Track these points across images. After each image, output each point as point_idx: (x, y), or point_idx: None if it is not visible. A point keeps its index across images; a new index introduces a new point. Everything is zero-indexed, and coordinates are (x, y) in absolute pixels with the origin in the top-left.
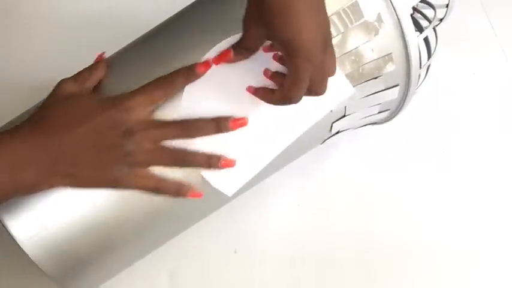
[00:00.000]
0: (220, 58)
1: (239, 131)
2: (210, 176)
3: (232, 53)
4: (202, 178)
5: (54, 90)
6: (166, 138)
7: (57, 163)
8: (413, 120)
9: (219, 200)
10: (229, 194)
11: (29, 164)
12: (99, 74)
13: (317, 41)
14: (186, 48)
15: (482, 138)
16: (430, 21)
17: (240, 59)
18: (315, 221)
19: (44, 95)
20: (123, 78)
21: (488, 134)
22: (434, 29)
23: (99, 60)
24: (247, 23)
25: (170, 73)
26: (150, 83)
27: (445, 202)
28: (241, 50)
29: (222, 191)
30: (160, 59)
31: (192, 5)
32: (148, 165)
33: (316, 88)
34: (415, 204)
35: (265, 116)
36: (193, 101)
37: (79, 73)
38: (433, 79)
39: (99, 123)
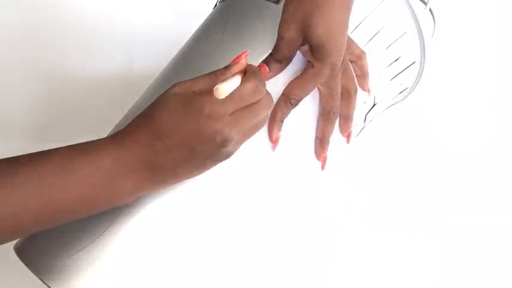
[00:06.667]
0: None
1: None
2: None
3: (266, 69)
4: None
5: (165, 92)
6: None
7: (156, 172)
8: (411, 118)
9: None
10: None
11: (130, 176)
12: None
13: (342, 52)
14: None
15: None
16: (425, 3)
17: (274, 75)
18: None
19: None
20: None
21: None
22: (430, 10)
23: (236, 62)
24: (285, 26)
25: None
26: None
27: (444, 201)
28: (275, 64)
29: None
30: None
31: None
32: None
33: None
34: (414, 203)
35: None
36: None
37: (207, 76)
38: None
39: (192, 136)
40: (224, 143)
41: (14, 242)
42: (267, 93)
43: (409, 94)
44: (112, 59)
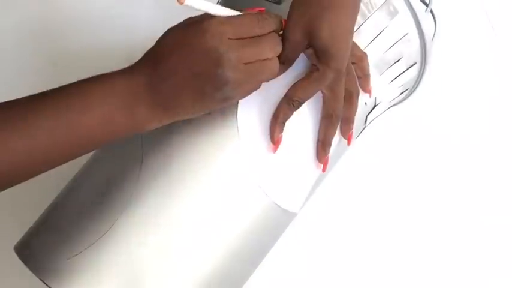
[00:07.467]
0: None
1: (292, 144)
2: (277, 197)
3: None
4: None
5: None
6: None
7: (165, 98)
8: (412, 119)
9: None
10: (297, 211)
11: (142, 101)
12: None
13: (347, 55)
14: None
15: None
16: (426, 5)
17: (279, 75)
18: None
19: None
20: None
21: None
22: (431, 11)
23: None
24: (291, 28)
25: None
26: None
27: (444, 202)
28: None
29: (290, 209)
30: None
31: None
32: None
33: (331, 102)
34: (414, 204)
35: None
36: (249, 117)
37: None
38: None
39: (190, 54)
40: (219, 61)
41: (14, 242)
42: (275, 35)
43: (410, 95)
44: (112, 57)
